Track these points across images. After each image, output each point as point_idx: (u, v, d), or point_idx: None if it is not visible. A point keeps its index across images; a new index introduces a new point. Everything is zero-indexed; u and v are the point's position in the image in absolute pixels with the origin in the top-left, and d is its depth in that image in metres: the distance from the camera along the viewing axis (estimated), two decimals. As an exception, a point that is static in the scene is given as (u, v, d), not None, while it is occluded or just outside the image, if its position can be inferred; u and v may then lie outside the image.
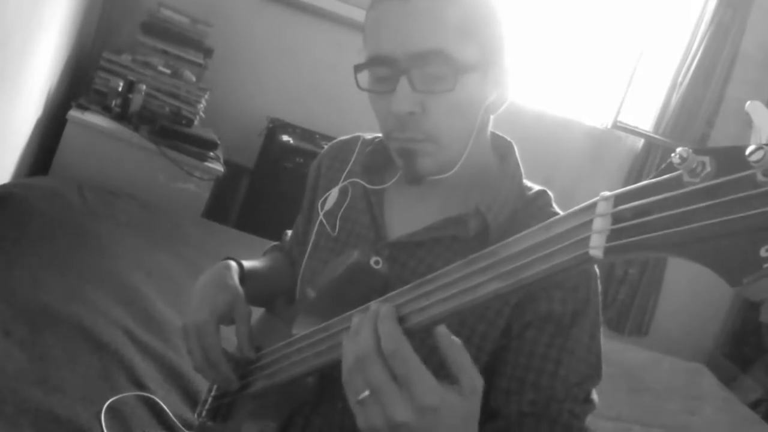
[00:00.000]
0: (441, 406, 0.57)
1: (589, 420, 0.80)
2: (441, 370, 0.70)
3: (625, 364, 2.74)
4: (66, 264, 1.79)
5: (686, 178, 0.45)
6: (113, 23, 2.92)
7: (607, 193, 0.51)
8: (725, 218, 0.42)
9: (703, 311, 3.71)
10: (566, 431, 0.77)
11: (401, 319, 0.62)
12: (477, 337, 0.80)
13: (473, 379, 0.60)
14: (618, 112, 3.35)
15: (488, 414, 0.80)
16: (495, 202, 0.82)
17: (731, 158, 0.43)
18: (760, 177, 0.41)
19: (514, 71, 0.82)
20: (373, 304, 0.64)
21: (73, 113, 2.42)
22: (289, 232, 1.16)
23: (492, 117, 0.86)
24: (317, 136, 3.00)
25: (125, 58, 2.64)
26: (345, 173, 0.96)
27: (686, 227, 0.44)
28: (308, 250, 0.96)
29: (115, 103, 2.55)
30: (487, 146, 0.88)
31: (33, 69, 2.12)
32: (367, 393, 0.58)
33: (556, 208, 0.86)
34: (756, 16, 3.30)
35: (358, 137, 1.02)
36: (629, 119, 3.40)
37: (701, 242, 0.43)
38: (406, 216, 0.88)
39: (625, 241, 0.48)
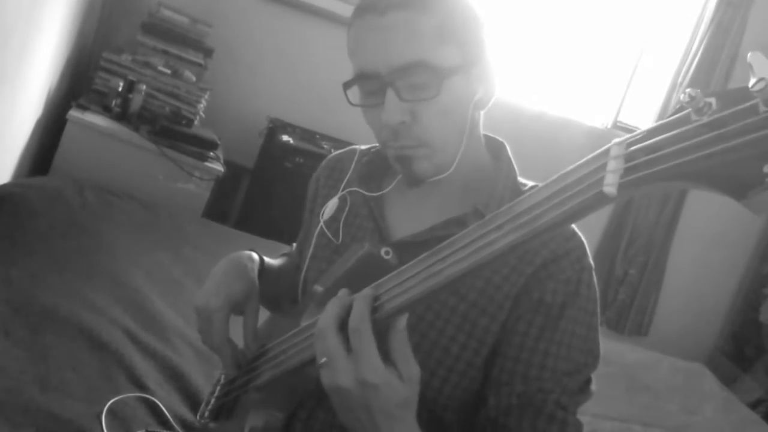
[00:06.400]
0: (381, 384, 0.65)
1: (589, 408, 0.81)
2: (428, 359, 0.81)
3: (625, 364, 2.74)
4: (66, 264, 1.79)
5: (694, 117, 0.48)
6: (113, 23, 2.92)
7: (618, 139, 0.53)
8: (731, 143, 0.45)
9: (703, 311, 3.71)
10: (550, 421, 0.79)
11: (377, 299, 0.68)
12: (479, 330, 0.83)
13: (410, 368, 0.67)
14: (618, 112, 3.35)
15: (481, 401, 0.84)
16: (493, 201, 0.85)
17: (736, 96, 0.46)
18: (762, 107, 0.44)
19: (498, 65, 0.85)
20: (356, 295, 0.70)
21: (73, 113, 2.42)
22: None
23: (482, 113, 0.89)
24: (317, 136, 3.00)
25: (125, 58, 2.64)
26: (343, 184, 0.99)
27: (694, 155, 0.47)
28: (308, 258, 0.98)
29: (115, 103, 2.55)
30: (481, 145, 0.91)
31: (33, 69, 2.12)
32: (324, 359, 0.68)
33: None
34: (756, 16, 3.30)
35: (354, 150, 1.05)
36: (629, 119, 3.40)
37: (709, 168, 0.46)
38: (407, 218, 0.91)
39: (637, 175, 0.50)
